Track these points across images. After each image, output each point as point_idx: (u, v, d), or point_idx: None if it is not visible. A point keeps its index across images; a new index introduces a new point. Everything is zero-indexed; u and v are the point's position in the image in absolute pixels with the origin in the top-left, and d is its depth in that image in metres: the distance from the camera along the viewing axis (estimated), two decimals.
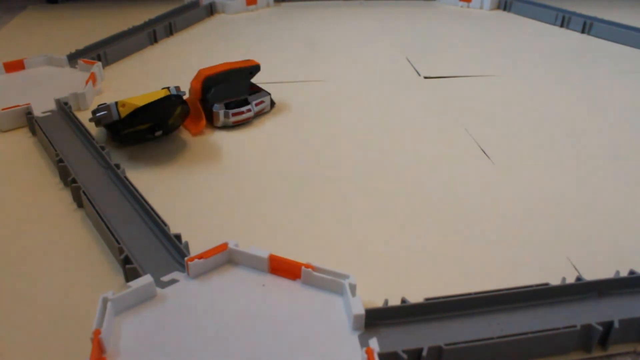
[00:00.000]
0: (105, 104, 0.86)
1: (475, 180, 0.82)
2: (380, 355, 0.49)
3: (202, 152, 0.90)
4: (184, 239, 0.65)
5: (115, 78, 1.20)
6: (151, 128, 0.86)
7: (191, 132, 0.93)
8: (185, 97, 0.91)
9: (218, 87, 0.95)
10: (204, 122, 0.93)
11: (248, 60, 1.01)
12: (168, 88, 0.89)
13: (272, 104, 1.04)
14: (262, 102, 1.00)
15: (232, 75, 0.96)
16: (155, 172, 0.84)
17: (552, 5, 1.64)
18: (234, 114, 0.96)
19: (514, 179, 0.83)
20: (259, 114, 1.01)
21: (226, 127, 0.97)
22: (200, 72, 0.95)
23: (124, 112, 0.84)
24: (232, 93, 0.97)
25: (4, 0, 1.92)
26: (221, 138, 0.94)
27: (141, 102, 0.83)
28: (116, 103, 0.84)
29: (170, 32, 1.50)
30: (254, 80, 1.03)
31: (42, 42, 1.45)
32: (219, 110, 0.95)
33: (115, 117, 0.84)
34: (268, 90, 1.03)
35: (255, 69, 1.00)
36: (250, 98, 0.99)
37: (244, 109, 0.97)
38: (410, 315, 0.54)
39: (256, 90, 1.02)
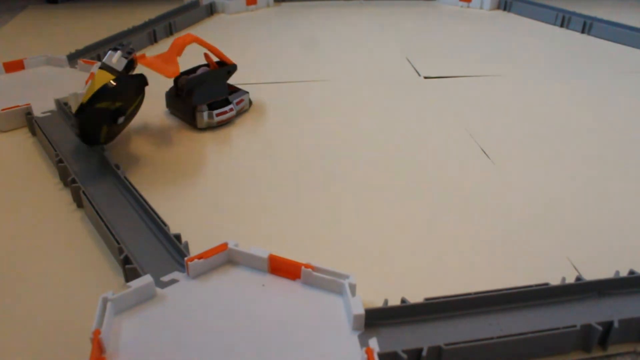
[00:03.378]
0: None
1: (475, 180, 0.82)
2: (380, 355, 0.49)
3: (201, 152, 0.90)
4: (184, 239, 0.65)
5: None
6: (113, 114, 0.81)
7: (166, 75, 0.89)
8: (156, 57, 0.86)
9: (201, 89, 0.94)
10: (178, 68, 0.90)
11: (227, 57, 1.00)
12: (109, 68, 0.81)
13: (250, 102, 1.05)
14: (242, 100, 1.01)
15: (213, 75, 0.96)
16: (155, 172, 0.84)
17: (552, 5, 1.64)
18: (218, 114, 0.96)
19: (514, 178, 0.83)
20: (239, 113, 1.01)
21: (210, 127, 0.97)
22: (188, 34, 0.93)
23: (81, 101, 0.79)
24: (213, 93, 0.97)
25: (4, 0, 1.92)
26: (220, 138, 0.94)
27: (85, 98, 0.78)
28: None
29: (170, 32, 1.50)
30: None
31: (42, 42, 1.45)
32: (203, 111, 0.95)
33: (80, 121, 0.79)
34: (264, 89, 1.03)
35: (233, 68, 1.00)
36: (230, 97, 0.99)
37: (226, 108, 0.97)
38: (410, 315, 0.54)
39: (234, 89, 1.02)
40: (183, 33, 1.52)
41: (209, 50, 0.98)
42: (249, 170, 0.85)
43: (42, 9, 1.82)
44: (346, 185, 0.81)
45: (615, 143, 0.93)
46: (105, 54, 1.24)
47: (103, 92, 0.78)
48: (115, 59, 0.82)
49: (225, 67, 0.99)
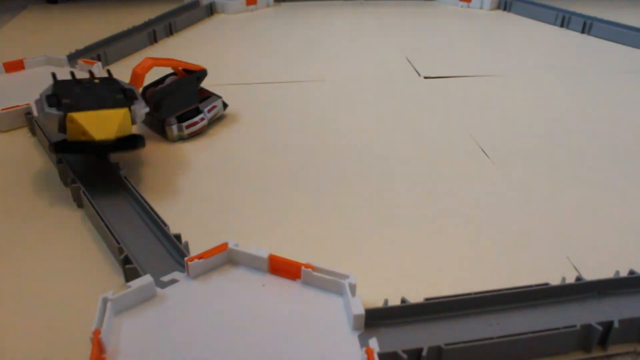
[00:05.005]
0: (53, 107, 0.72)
1: (475, 180, 0.82)
2: (380, 355, 0.49)
3: (201, 153, 0.90)
4: (184, 239, 0.65)
5: None
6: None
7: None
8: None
9: (168, 101, 0.90)
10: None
11: (194, 65, 0.96)
12: (128, 105, 0.75)
13: (225, 105, 1.00)
14: (214, 107, 0.97)
15: (181, 84, 0.92)
16: (155, 172, 0.84)
17: (552, 5, 1.65)
18: (188, 126, 0.93)
19: (514, 178, 0.83)
20: (213, 120, 0.98)
21: (182, 139, 0.93)
22: (145, 60, 0.87)
23: (71, 131, 0.71)
24: (182, 103, 0.93)
25: (4, 0, 1.92)
26: (218, 139, 0.94)
27: (97, 132, 0.70)
28: (65, 115, 0.71)
29: (170, 32, 1.50)
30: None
31: (42, 42, 1.45)
32: (172, 125, 0.91)
33: (60, 130, 0.72)
34: (263, 89, 1.00)
35: (202, 74, 0.95)
36: (201, 106, 0.95)
37: (197, 118, 0.93)
38: (410, 315, 0.54)
39: (207, 95, 0.98)
40: (183, 33, 1.53)
41: (171, 65, 0.94)
42: (250, 170, 0.85)
43: (42, 9, 1.82)
44: (345, 185, 0.81)
45: (615, 143, 0.93)
46: (105, 54, 1.25)
47: (87, 146, 0.73)
48: (144, 112, 0.78)
49: (194, 74, 0.94)
